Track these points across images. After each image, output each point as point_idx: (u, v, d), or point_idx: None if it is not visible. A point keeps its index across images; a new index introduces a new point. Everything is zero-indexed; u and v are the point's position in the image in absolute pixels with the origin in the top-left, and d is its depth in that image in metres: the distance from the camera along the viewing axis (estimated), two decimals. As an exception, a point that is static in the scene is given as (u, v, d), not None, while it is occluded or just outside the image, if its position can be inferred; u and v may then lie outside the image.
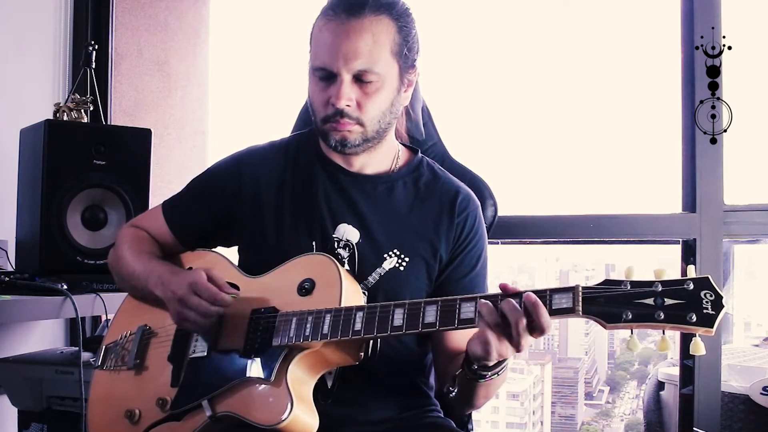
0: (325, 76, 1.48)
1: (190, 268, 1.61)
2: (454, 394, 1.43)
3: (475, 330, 1.28)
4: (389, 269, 1.51)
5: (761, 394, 2.24)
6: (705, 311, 1.12)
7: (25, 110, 2.58)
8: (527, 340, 1.23)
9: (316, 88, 1.51)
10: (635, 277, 1.17)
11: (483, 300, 1.26)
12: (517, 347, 1.25)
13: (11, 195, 2.32)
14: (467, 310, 1.26)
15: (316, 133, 1.57)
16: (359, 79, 1.46)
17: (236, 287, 1.52)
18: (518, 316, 1.21)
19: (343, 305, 1.36)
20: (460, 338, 1.50)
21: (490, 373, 1.34)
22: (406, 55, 1.50)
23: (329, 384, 1.49)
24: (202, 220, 1.64)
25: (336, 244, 1.53)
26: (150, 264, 1.58)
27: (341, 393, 1.49)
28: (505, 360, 1.31)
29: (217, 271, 1.47)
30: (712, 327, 1.12)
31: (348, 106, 1.47)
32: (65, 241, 2.18)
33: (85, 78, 2.51)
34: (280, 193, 1.59)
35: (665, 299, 1.14)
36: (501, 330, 1.23)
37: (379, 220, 1.55)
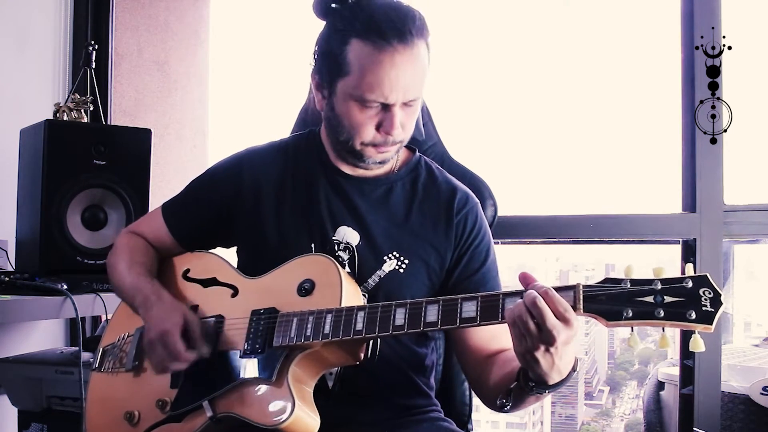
0: (375, 106, 1.45)
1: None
2: (509, 407, 1.39)
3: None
4: (389, 271, 1.51)
5: (761, 394, 2.24)
6: (704, 308, 1.13)
7: (25, 110, 2.59)
8: (560, 334, 1.18)
9: (359, 113, 1.46)
10: (635, 276, 1.17)
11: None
12: (549, 342, 1.18)
13: (11, 195, 2.32)
14: (469, 309, 1.26)
15: (341, 150, 1.54)
16: (405, 104, 1.46)
17: (235, 290, 1.52)
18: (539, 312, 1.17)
19: (343, 306, 1.36)
20: (484, 337, 1.49)
21: (550, 390, 1.28)
22: None
23: (329, 384, 1.48)
24: (201, 222, 1.64)
25: (336, 246, 1.52)
26: (139, 281, 1.56)
27: (341, 393, 1.49)
28: (569, 376, 1.26)
29: (196, 324, 1.45)
30: (711, 324, 1.12)
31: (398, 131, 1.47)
32: (65, 241, 2.18)
33: (85, 78, 2.51)
34: (280, 195, 1.58)
35: (665, 297, 1.15)
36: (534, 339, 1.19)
37: (378, 222, 1.54)
